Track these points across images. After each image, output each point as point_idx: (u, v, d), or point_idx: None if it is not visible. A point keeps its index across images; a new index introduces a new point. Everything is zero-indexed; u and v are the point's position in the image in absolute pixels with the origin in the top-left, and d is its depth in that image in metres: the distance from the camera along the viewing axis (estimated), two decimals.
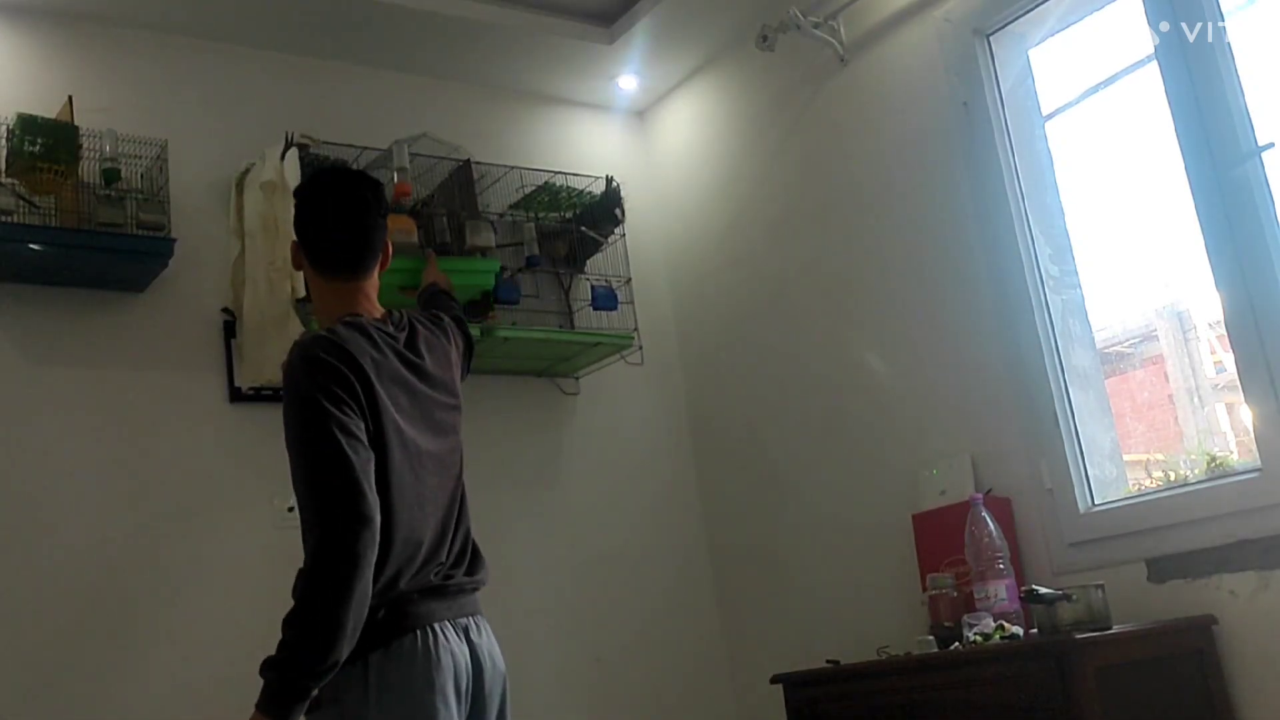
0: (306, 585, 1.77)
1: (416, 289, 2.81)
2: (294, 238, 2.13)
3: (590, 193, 3.80)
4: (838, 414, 3.54)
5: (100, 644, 2.93)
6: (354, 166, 3.36)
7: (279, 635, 1.76)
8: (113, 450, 3.07)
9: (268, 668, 1.74)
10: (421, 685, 1.87)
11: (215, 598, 3.09)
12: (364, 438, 1.88)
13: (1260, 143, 2.64)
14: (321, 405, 1.85)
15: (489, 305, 3.46)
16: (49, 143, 2.90)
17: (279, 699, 1.72)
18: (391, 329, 2.08)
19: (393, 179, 3.24)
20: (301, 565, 1.82)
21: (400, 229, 3.03)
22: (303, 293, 3.05)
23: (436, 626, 1.92)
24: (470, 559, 2.07)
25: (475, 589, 2.07)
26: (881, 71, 3.46)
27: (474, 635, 2.00)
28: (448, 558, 2.01)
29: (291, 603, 1.77)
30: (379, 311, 2.12)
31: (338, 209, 2.09)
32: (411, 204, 3.33)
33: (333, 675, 1.76)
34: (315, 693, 1.75)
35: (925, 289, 3.30)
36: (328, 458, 1.82)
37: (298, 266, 2.14)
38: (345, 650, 1.75)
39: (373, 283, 2.12)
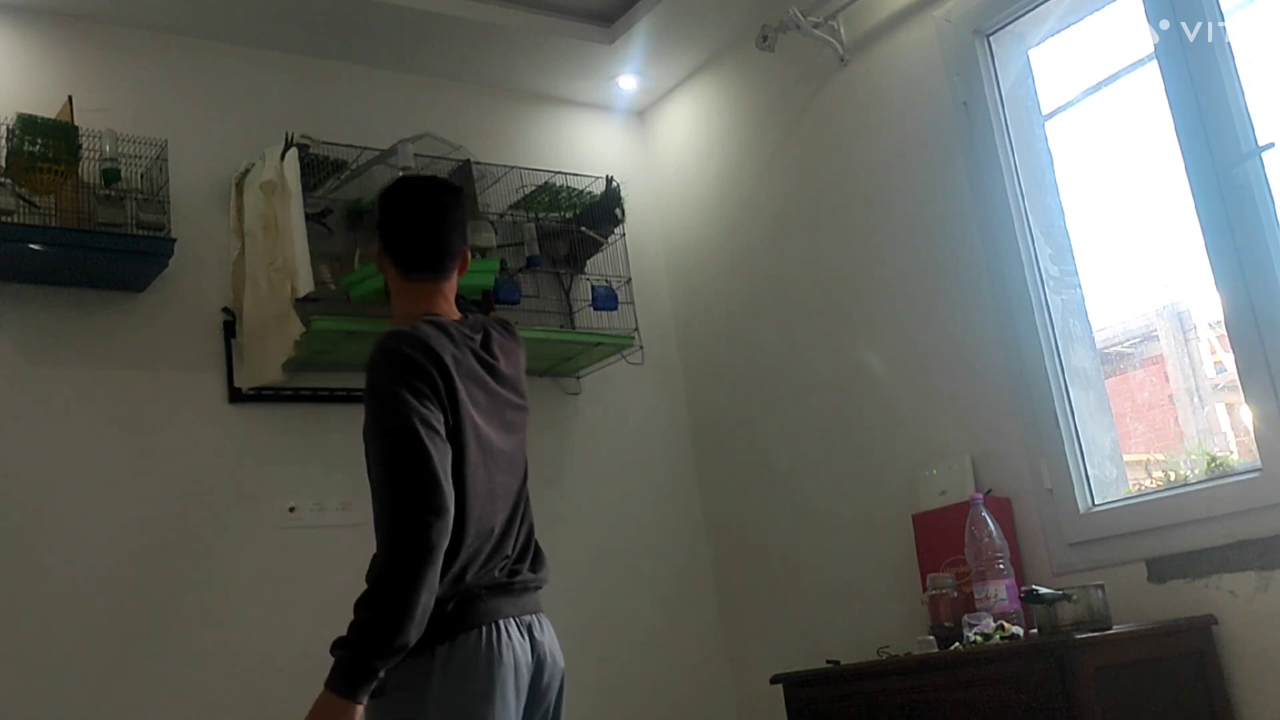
0: (380, 570, 1.83)
1: None
2: (378, 242, 2.19)
3: (590, 193, 3.80)
4: (838, 414, 3.54)
5: (98, 643, 2.93)
6: (354, 166, 3.38)
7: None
8: (112, 450, 3.07)
9: (339, 646, 1.80)
10: (483, 680, 1.92)
11: (214, 597, 3.08)
12: (443, 431, 1.93)
13: (1260, 143, 2.63)
14: (403, 398, 1.90)
15: (489, 305, 3.46)
16: (49, 143, 2.90)
17: (348, 676, 1.78)
18: (468, 330, 2.13)
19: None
20: (370, 557, 1.86)
21: None
22: (301, 293, 3.06)
23: (502, 623, 1.97)
24: (534, 556, 2.13)
25: (539, 587, 2.12)
26: (881, 71, 3.46)
27: (537, 633, 2.05)
28: (513, 552, 2.06)
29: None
30: (456, 314, 2.17)
31: (419, 212, 2.16)
32: None
33: (399, 659, 1.81)
34: (381, 675, 1.80)
35: (925, 289, 3.30)
36: (407, 449, 1.87)
37: (381, 269, 2.20)
38: (414, 635, 1.81)
39: (451, 285, 2.19)
